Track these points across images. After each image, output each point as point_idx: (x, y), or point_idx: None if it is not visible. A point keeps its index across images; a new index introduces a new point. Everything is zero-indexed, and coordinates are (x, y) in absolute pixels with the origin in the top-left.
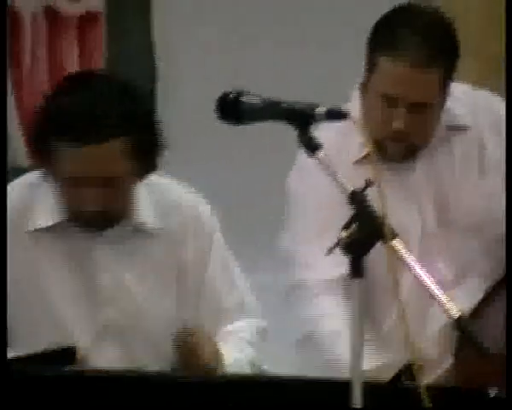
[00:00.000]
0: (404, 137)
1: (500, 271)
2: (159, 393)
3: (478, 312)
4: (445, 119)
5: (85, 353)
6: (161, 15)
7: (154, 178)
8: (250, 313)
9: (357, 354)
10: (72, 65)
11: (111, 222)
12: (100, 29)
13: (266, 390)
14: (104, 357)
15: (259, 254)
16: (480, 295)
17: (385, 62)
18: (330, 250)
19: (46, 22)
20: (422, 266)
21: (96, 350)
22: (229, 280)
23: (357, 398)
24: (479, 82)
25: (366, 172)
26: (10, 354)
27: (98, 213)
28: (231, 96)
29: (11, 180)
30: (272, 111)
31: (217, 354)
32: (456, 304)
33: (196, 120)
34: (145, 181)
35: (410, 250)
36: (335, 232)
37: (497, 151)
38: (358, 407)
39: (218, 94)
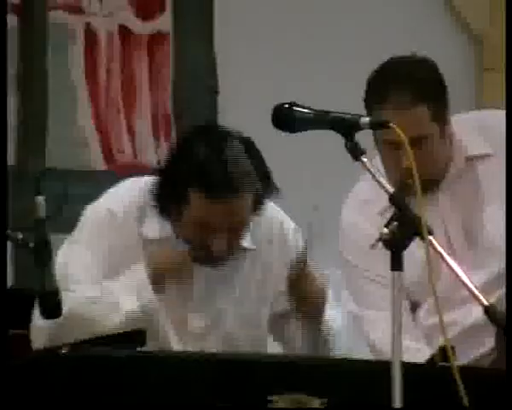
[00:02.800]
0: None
1: None
2: (222, 374)
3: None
4: (462, 151)
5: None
6: (223, 36)
7: None
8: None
9: (397, 337)
10: (143, 79)
11: (227, 258)
12: (168, 47)
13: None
14: None
15: None
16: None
17: (377, 111)
18: (373, 246)
19: (120, 40)
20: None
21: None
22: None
23: (397, 378)
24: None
25: None
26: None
27: (223, 253)
28: (286, 106)
29: (81, 184)
30: (321, 120)
31: (324, 290)
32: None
33: (253, 129)
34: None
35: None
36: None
37: None
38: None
39: (273, 105)
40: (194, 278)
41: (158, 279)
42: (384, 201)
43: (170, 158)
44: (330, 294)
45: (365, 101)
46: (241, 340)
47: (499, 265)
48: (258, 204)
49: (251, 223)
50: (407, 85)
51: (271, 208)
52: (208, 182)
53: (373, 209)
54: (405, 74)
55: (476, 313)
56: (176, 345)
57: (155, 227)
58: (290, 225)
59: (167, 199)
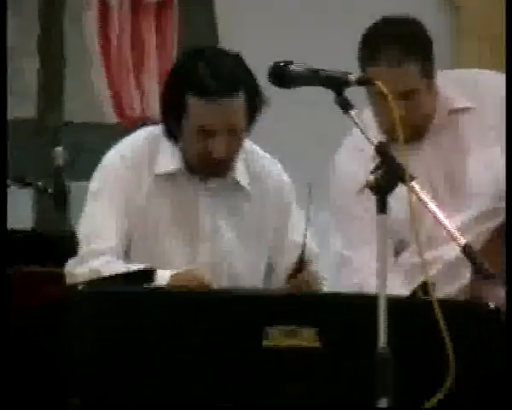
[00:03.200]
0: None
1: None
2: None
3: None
4: (445, 104)
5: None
6: (223, 6)
7: (248, 145)
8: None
9: (383, 273)
10: (151, 42)
11: (219, 172)
12: (171, 14)
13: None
14: None
15: None
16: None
17: (369, 68)
18: (359, 192)
19: (130, 7)
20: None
21: None
22: (301, 241)
23: (381, 311)
24: (480, 62)
25: None
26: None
27: (221, 160)
28: (281, 64)
29: (95, 136)
30: (314, 77)
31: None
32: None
33: None
34: (242, 147)
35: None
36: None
37: (494, 123)
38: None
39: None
40: (201, 210)
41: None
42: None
43: (170, 74)
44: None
45: (359, 59)
46: (244, 280)
47: (479, 208)
48: (250, 112)
49: (250, 168)
50: (396, 44)
51: (270, 161)
52: (201, 85)
53: (364, 156)
54: (394, 33)
55: (457, 249)
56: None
57: (166, 162)
58: (287, 179)
59: (170, 111)
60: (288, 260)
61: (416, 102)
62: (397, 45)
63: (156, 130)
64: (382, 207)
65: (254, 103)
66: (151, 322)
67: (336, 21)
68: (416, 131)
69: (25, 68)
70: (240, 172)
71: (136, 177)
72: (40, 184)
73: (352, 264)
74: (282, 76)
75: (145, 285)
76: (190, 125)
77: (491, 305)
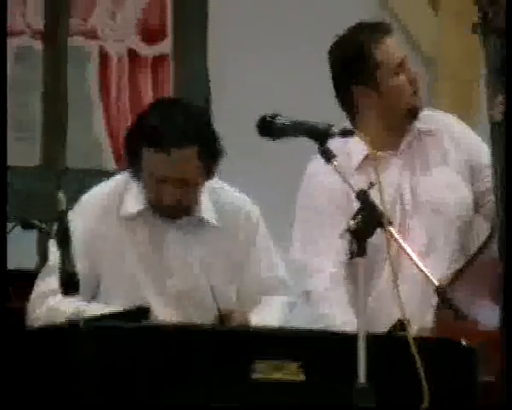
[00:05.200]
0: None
1: (466, 249)
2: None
3: (453, 281)
4: (418, 125)
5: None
6: (214, 55)
7: (213, 182)
8: (284, 289)
9: (362, 312)
10: (148, 94)
11: (182, 214)
12: (168, 67)
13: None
14: (164, 315)
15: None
16: (448, 266)
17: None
18: (342, 235)
19: (128, 61)
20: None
21: (160, 309)
22: (269, 262)
23: (361, 348)
24: (453, 103)
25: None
26: (98, 312)
27: (174, 206)
28: (268, 117)
29: (95, 182)
30: (298, 129)
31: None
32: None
33: (242, 136)
34: (207, 185)
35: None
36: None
37: (454, 154)
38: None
39: (259, 114)
40: (169, 245)
41: None
42: (348, 160)
43: (130, 126)
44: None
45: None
46: (212, 308)
47: (443, 221)
48: (205, 162)
49: (216, 202)
50: None
51: (238, 196)
52: (152, 136)
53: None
54: None
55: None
56: (157, 307)
57: (132, 204)
58: (254, 210)
59: (129, 157)
60: (248, 292)
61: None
62: None
63: (123, 176)
64: (361, 251)
65: (208, 156)
66: (145, 356)
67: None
68: (397, 129)
69: (29, 119)
70: (205, 209)
71: (103, 222)
72: (44, 226)
73: (307, 271)
74: (269, 128)
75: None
76: (145, 173)
77: (464, 343)
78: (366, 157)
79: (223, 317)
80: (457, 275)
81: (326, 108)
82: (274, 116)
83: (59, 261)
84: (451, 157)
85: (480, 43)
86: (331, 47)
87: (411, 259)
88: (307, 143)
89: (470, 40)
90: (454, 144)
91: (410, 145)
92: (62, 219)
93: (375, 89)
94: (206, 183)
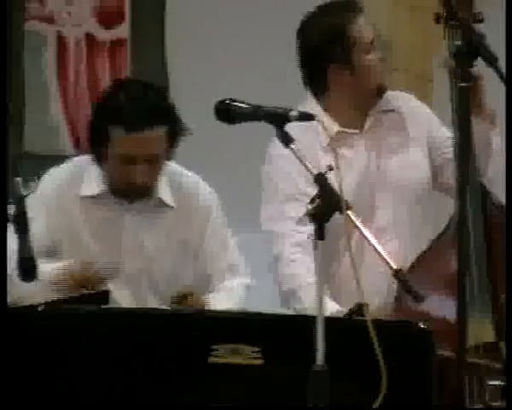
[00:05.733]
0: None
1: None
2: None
3: (414, 266)
4: (381, 104)
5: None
6: (172, 40)
7: (171, 165)
8: (238, 272)
9: (320, 294)
10: (105, 78)
11: (145, 194)
12: (125, 51)
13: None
14: (120, 297)
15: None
16: (413, 244)
17: None
18: (300, 220)
19: (86, 45)
20: (365, 219)
21: (116, 291)
22: (223, 245)
23: (320, 330)
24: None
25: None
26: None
27: (140, 186)
28: (225, 102)
29: (52, 166)
30: (256, 114)
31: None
32: (394, 251)
33: (199, 122)
34: (166, 168)
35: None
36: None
37: (414, 129)
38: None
39: (217, 99)
40: (124, 227)
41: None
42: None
43: (95, 107)
44: None
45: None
46: (165, 289)
47: (405, 201)
48: (171, 140)
49: (173, 184)
50: None
51: (193, 178)
52: (122, 117)
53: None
54: None
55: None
56: (112, 287)
57: (92, 186)
58: (209, 194)
59: (95, 142)
60: (203, 274)
61: None
62: None
63: (81, 159)
64: (320, 234)
65: (174, 134)
66: (104, 340)
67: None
68: (363, 109)
69: None
70: (163, 191)
71: (58, 200)
72: None
73: (278, 239)
74: (227, 113)
75: (102, 306)
76: (113, 154)
77: (422, 325)
78: (335, 134)
79: (180, 298)
80: (418, 261)
81: (285, 94)
82: (232, 101)
83: (17, 247)
84: (413, 135)
85: (443, 33)
86: (301, 26)
87: (370, 242)
88: (266, 128)
89: (424, 32)
90: (415, 122)
91: (374, 124)
92: (20, 204)
93: (349, 67)
94: (165, 164)
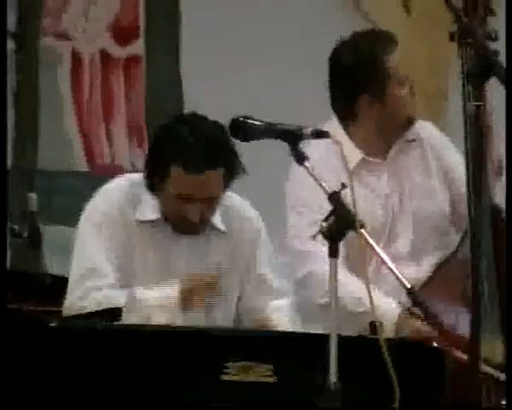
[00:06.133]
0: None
1: (444, 251)
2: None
3: (428, 283)
4: (405, 135)
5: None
6: (187, 56)
7: None
8: (284, 293)
9: (334, 313)
10: (120, 95)
11: (201, 229)
12: (141, 67)
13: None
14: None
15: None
16: (429, 271)
17: None
18: (314, 237)
19: (100, 62)
20: (385, 245)
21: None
22: (272, 266)
23: (333, 348)
24: (423, 113)
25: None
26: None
27: (196, 222)
28: (240, 119)
29: (69, 181)
30: (270, 131)
31: None
32: (411, 276)
33: None
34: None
35: (379, 231)
36: None
37: (434, 160)
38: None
39: (231, 115)
40: (173, 251)
41: (186, 296)
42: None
43: (155, 139)
44: None
45: None
46: (218, 317)
47: (426, 228)
48: (228, 180)
49: (222, 208)
50: None
51: (242, 203)
52: (186, 157)
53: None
54: None
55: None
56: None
57: (147, 211)
58: (256, 217)
59: (153, 174)
60: (252, 292)
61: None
62: None
63: (137, 177)
64: (334, 252)
65: (233, 173)
66: (115, 356)
67: (300, 75)
68: (388, 138)
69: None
70: (217, 217)
71: (121, 218)
72: (16, 227)
73: (305, 256)
74: (242, 130)
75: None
76: (170, 191)
77: (434, 344)
78: (359, 162)
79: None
80: (429, 279)
81: (300, 111)
82: (246, 118)
83: (30, 262)
84: (431, 165)
85: (458, 50)
86: (336, 50)
87: (384, 261)
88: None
89: (439, 48)
90: (432, 151)
91: (397, 154)
92: (33, 220)
93: (381, 99)
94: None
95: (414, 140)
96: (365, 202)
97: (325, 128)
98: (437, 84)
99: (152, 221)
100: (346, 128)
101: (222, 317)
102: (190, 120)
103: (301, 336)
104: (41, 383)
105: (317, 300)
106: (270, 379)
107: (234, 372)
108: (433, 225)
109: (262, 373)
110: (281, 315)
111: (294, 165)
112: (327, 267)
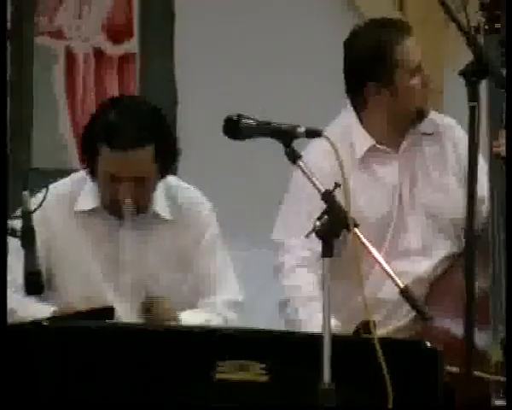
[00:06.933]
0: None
1: (456, 249)
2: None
3: (433, 284)
4: (421, 127)
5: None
6: (181, 55)
7: (169, 178)
8: (227, 288)
9: (327, 313)
10: (114, 93)
11: (136, 212)
12: (134, 66)
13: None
14: (119, 311)
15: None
16: (440, 266)
17: None
18: (307, 235)
19: (95, 60)
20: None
21: (116, 305)
22: (215, 260)
23: (326, 348)
24: None
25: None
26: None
27: (129, 205)
28: (234, 118)
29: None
30: (264, 130)
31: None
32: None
33: (207, 135)
34: (163, 181)
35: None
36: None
37: (453, 157)
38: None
39: (225, 114)
40: (119, 241)
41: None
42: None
43: (88, 121)
44: None
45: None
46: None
47: (438, 222)
48: (161, 160)
49: (169, 197)
50: None
51: (193, 192)
52: (110, 136)
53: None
54: None
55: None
56: (111, 301)
57: (86, 201)
58: (206, 206)
59: (86, 154)
60: (195, 286)
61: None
62: None
63: (81, 173)
64: (327, 252)
65: (164, 155)
66: (109, 355)
67: (297, 71)
68: (401, 129)
69: None
70: (159, 204)
71: (56, 218)
72: (10, 226)
73: (283, 248)
74: (235, 129)
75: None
76: (100, 171)
77: (428, 344)
78: (369, 149)
79: (148, 305)
80: (437, 280)
81: (293, 109)
82: (239, 117)
83: (23, 261)
84: (450, 161)
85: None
86: (349, 37)
87: (377, 260)
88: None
89: (433, 45)
90: (453, 149)
91: (411, 146)
92: (27, 219)
93: (389, 88)
94: (161, 180)
95: (432, 134)
96: (369, 189)
97: (341, 116)
98: (433, 78)
99: (91, 211)
100: (358, 115)
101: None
102: (120, 102)
103: (295, 335)
104: (34, 383)
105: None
106: (264, 378)
107: (228, 371)
108: (447, 222)
109: (256, 372)
110: (201, 312)
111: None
112: (297, 263)
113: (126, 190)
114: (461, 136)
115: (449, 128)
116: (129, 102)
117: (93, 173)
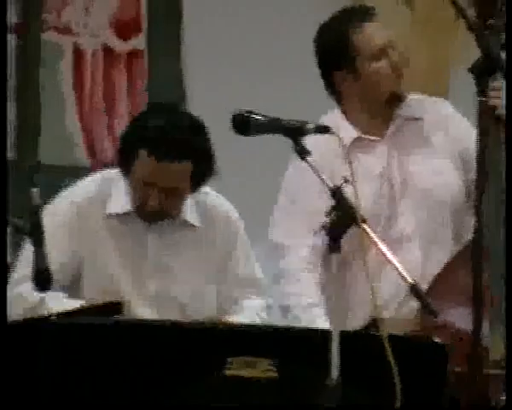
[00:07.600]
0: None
1: (454, 237)
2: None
3: (437, 278)
4: (404, 111)
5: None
6: (189, 51)
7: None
8: (262, 291)
9: (336, 308)
10: (122, 89)
11: (162, 218)
12: (142, 62)
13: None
14: (147, 316)
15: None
16: (436, 251)
17: None
18: (316, 233)
19: (102, 56)
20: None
21: (139, 310)
22: (249, 264)
23: (334, 344)
24: None
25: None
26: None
27: (156, 211)
28: (243, 114)
29: (72, 176)
30: (273, 126)
31: None
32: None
33: (216, 133)
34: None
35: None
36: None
37: (444, 140)
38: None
39: (232, 110)
40: (148, 247)
41: None
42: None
43: (130, 123)
44: None
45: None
46: (190, 310)
47: (430, 207)
48: (197, 177)
49: (197, 205)
50: None
51: (220, 200)
52: (153, 142)
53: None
54: None
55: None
56: (136, 306)
57: (118, 203)
58: (234, 214)
59: (122, 157)
60: (228, 293)
61: None
62: None
63: (110, 173)
64: (336, 248)
65: (202, 172)
66: (118, 352)
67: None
68: (383, 115)
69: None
70: (190, 212)
71: (85, 222)
72: (20, 223)
73: (283, 250)
74: (244, 125)
75: (115, 317)
76: (135, 175)
77: (436, 340)
78: (355, 140)
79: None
80: (441, 274)
81: (302, 107)
82: (249, 113)
83: (32, 257)
84: (439, 144)
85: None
86: (316, 34)
87: (386, 256)
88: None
89: (440, 46)
90: (443, 131)
91: (396, 131)
92: (35, 215)
93: (353, 74)
94: (187, 196)
95: (416, 117)
96: (359, 180)
97: (326, 116)
98: (437, 80)
99: (122, 214)
100: (341, 108)
101: (199, 312)
102: (166, 110)
103: (304, 331)
104: (41, 379)
105: (281, 299)
106: (273, 374)
107: (236, 367)
108: (439, 203)
109: (264, 368)
110: (252, 315)
111: (292, 160)
112: (300, 267)
113: (156, 197)
114: (449, 113)
115: (436, 108)
116: (175, 113)
117: (127, 174)
